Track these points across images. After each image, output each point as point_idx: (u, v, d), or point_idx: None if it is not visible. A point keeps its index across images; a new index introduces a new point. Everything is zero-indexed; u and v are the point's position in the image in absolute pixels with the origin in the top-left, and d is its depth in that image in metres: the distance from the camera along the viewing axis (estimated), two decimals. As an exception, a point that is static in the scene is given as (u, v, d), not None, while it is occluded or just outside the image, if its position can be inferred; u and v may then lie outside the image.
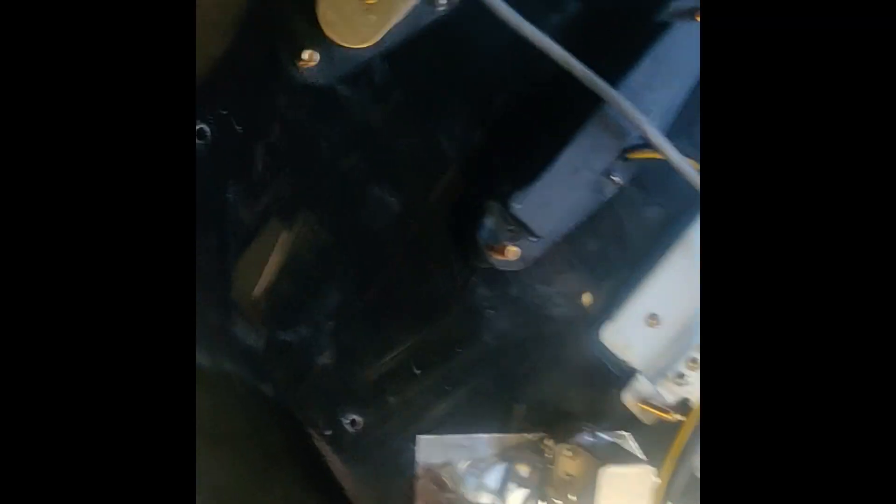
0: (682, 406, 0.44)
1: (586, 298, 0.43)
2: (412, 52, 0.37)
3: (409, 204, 0.40)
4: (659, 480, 0.40)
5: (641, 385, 0.43)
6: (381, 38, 0.33)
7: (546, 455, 0.44)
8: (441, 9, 0.36)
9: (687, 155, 0.37)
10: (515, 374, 0.43)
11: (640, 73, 0.38)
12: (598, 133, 0.38)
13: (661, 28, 0.38)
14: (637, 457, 0.42)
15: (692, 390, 0.44)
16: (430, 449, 0.43)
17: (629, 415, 0.44)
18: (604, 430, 0.44)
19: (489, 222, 0.39)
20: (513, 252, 0.38)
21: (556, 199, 0.38)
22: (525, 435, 0.44)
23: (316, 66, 0.34)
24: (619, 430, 0.45)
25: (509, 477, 0.45)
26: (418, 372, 0.42)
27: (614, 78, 0.37)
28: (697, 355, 0.42)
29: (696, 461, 0.39)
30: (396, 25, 0.34)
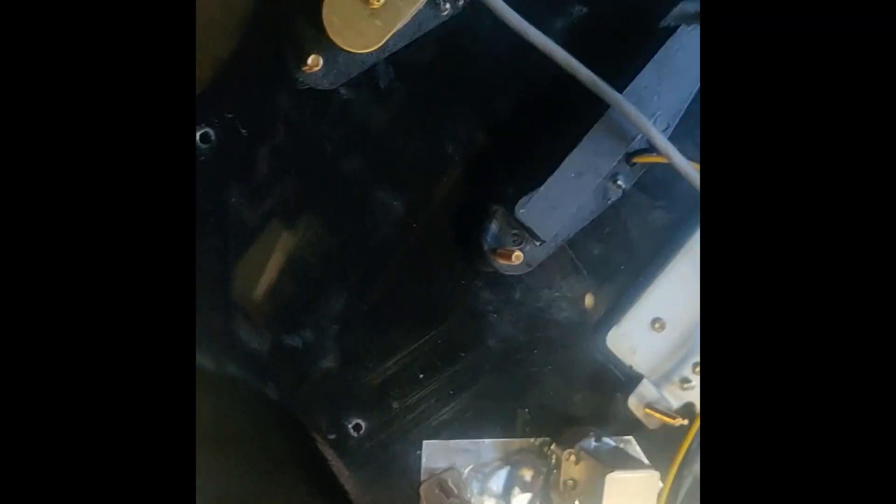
0: (688, 410, 0.44)
1: (588, 300, 0.43)
2: (416, 55, 0.37)
3: (413, 208, 0.40)
4: (664, 485, 0.40)
5: (646, 390, 0.43)
6: (386, 43, 0.33)
7: (550, 460, 0.44)
8: (445, 13, 0.36)
9: (691, 159, 0.37)
10: (519, 379, 0.43)
11: (645, 78, 0.38)
12: (602, 137, 0.38)
13: (666, 32, 0.38)
14: (642, 462, 0.42)
15: (697, 395, 0.44)
16: (433, 453, 0.43)
17: (634, 419, 0.44)
18: (608, 434, 0.44)
19: (493, 226, 0.39)
20: (517, 257, 0.38)
21: (560, 203, 0.38)
22: (529, 440, 0.44)
23: (320, 70, 0.34)
24: (624, 434, 0.44)
25: (513, 481, 0.44)
26: (422, 376, 0.42)
27: (619, 82, 0.37)
28: (703, 360, 0.42)
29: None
30: (401, 30, 0.34)
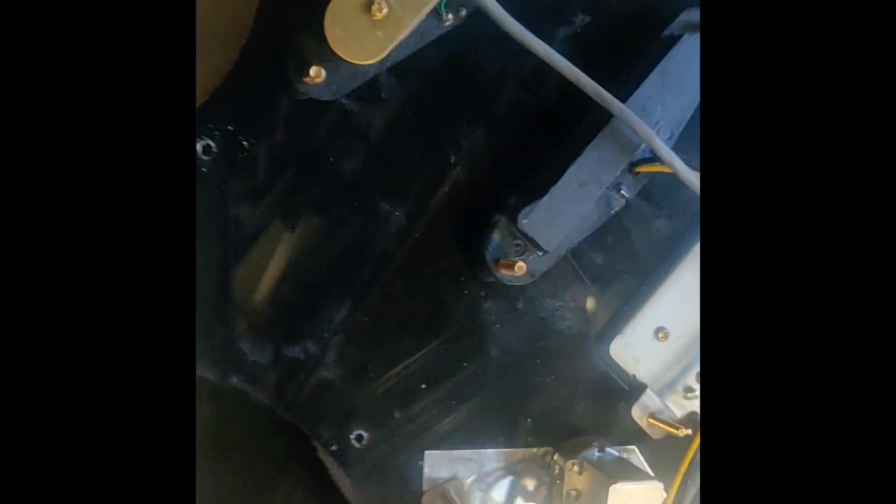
0: (691, 420, 0.44)
1: (589, 304, 0.43)
2: (419, 65, 0.37)
3: (415, 218, 0.40)
4: (667, 496, 0.40)
5: (650, 400, 0.43)
6: (388, 53, 0.33)
7: (553, 470, 0.43)
8: (447, 23, 0.35)
9: (695, 168, 0.37)
10: (522, 389, 0.43)
11: (648, 87, 0.38)
12: (606, 147, 0.38)
13: (669, 41, 0.38)
14: (645, 472, 0.42)
15: (701, 404, 0.43)
16: (436, 463, 0.43)
17: (637, 429, 0.44)
18: (611, 444, 0.44)
19: (496, 237, 0.39)
20: (520, 268, 0.38)
21: (563, 213, 0.38)
22: (532, 449, 0.44)
23: (322, 81, 0.34)
24: (627, 444, 0.44)
25: (516, 491, 0.44)
26: (424, 386, 0.42)
27: (622, 91, 0.37)
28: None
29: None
30: (403, 40, 0.33)
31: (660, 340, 0.43)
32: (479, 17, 0.35)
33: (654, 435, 0.44)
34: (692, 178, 0.37)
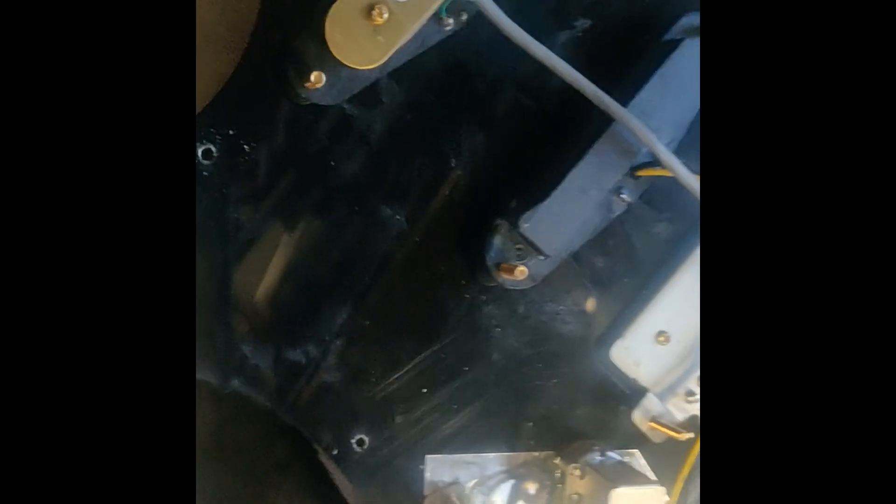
0: (693, 424, 0.44)
1: (590, 307, 0.43)
2: (420, 70, 0.37)
3: (416, 221, 0.40)
4: (670, 500, 0.40)
5: (651, 403, 0.43)
6: (389, 58, 0.33)
7: (555, 474, 0.43)
8: (448, 27, 0.35)
9: (696, 172, 0.37)
10: (524, 393, 0.43)
11: (649, 91, 0.37)
12: (607, 151, 0.38)
13: (669, 45, 0.38)
14: (647, 477, 0.41)
15: (703, 408, 0.43)
16: (437, 468, 0.43)
17: (638, 433, 0.44)
18: (613, 448, 0.44)
19: (497, 241, 0.39)
20: (521, 272, 0.38)
21: (564, 217, 0.38)
22: (533, 453, 0.44)
23: (323, 86, 0.34)
24: (629, 447, 0.44)
25: (517, 495, 0.44)
26: (426, 391, 0.42)
27: (622, 95, 0.37)
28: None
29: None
30: (404, 45, 0.33)
31: (661, 344, 0.43)
32: (480, 21, 0.35)
33: (656, 439, 0.44)
34: (693, 181, 0.37)
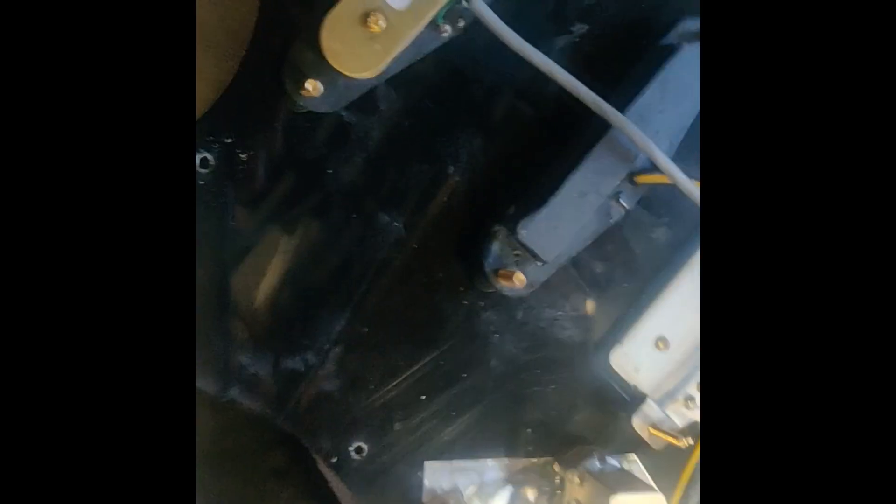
0: (693, 430, 0.44)
1: (589, 313, 0.43)
2: (418, 77, 0.37)
3: (414, 228, 0.40)
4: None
5: (651, 409, 0.43)
6: (387, 65, 0.33)
7: (554, 480, 0.43)
8: (445, 34, 0.35)
9: (694, 178, 0.37)
10: (522, 399, 0.43)
11: (647, 97, 0.37)
12: (605, 157, 0.38)
13: (667, 51, 0.38)
14: (646, 484, 0.41)
15: (702, 413, 0.43)
16: (436, 474, 0.43)
17: (637, 439, 0.44)
18: (612, 453, 0.44)
19: (495, 247, 0.39)
20: (519, 279, 0.38)
21: (562, 223, 0.38)
22: (532, 459, 0.44)
23: (321, 94, 0.34)
24: (628, 454, 0.44)
25: (516, 501, 0.44)
26: (424, 397, 0.42)
27: (620, 101, 0.37)
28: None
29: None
30: (401, 52, 0.33)
31: (660, 349, 0.43)
32: (477, 27, 0.34)
33: (655, 445, 0.43)
34: (691, 187, 0.37)
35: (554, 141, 0.39)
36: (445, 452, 0.43)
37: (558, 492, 0.43)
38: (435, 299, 0.41)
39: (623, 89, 0.38)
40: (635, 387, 0.43)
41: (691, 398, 0.43)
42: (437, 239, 0.40)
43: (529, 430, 0.43)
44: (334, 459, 0.41)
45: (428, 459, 0.43)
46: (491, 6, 0.34)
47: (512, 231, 0.38)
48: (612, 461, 0.43)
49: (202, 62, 0.38)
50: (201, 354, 0.39)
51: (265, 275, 0.39)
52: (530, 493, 0.44)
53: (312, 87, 0.33)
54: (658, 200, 0.41)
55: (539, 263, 0.39)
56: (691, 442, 0.42)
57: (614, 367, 0.43)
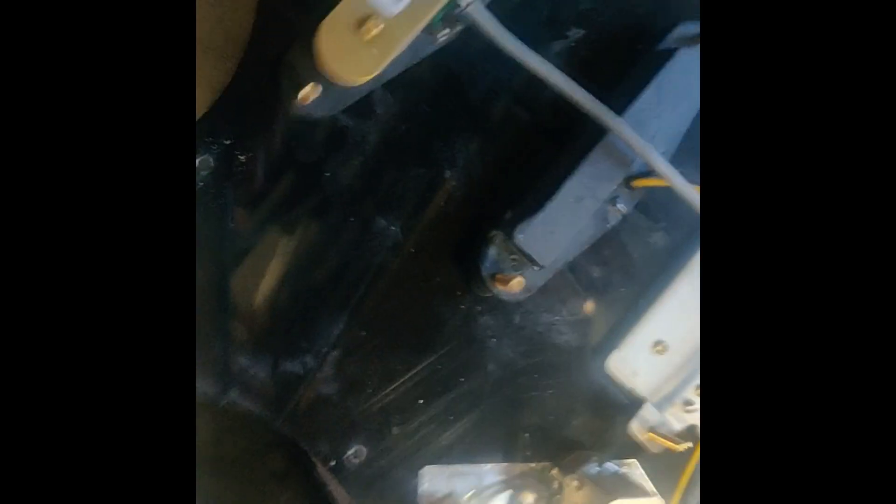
0: (691, 434, 0.43)
1: (587, 317, 0.42)
2: (414, 81, 0.37)
3: (411, 232, 0.40)
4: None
5: (649, 413, 0.43)
6: (383, 70, 0.33)
7: (552, 485, 0.43)
8: (441, 39, 0.35)
9: (692, 181, 0.37)
10: (520, 403, 0.43)
11: (645, 101, 0.37)
12: (602, 161, 0.37)
13: (664, 55, 0.38)
14: (644, 489, 0.41)
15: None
16: (434, 478, 0.43)
17: (636, 443, 0.43)
18: (610, 457, 0.44)
19: (492, 252, 0.39)
20: (516, 283, 0.38)
21: (559, 228, 0.38)
22: (530, 464, 0.44)
23: (316, 100, 0.34)
24: (627, 457, 0.44)
25: (514, 505, 0.44)
26: (422, 402, 0.42)
27: (617, 105, 0.37)
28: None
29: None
30: (397, 57, 0.33)
31: (658, 353, 0.42)
32: (474, 31, 0.34)
33: (653, 450, 0.43)
34: (689, 191, 0.36)
35: (551, 145, 0.39)
36: (443, 457, 0.43)
37: (556, 497, 0.43)
38: (432, 303, 0.41)
39: (620, 93, 0.38)
40: (633, 391, 0.43)
41: (689, 402, 0.43)
42: (435, 243, 0.40)
43: (527, 434, 0.43)
44: (333, 463, 0.41)
45: (426, 464, 0.43)
46: (487, 10, 0.34)
47: (509, 235, 0.38)
48: (611, 466, 0.43)
49: (200, 64, 0.38)
50: (200, 356, 0.39)
51: (264, 277, 0.39)
52: (528, 498, 0.44)
53: (310, 90, 0.33)
54: (655, 205, 0.41)
55: (536, 268, 0.38)
56: (689, 445, 0.42)
57: (612, 371, 0.42)
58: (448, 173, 0.39)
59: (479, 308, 0.41)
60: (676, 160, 0.37)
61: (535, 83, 0.35)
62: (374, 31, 0.32)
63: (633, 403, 0.43)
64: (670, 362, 0.43)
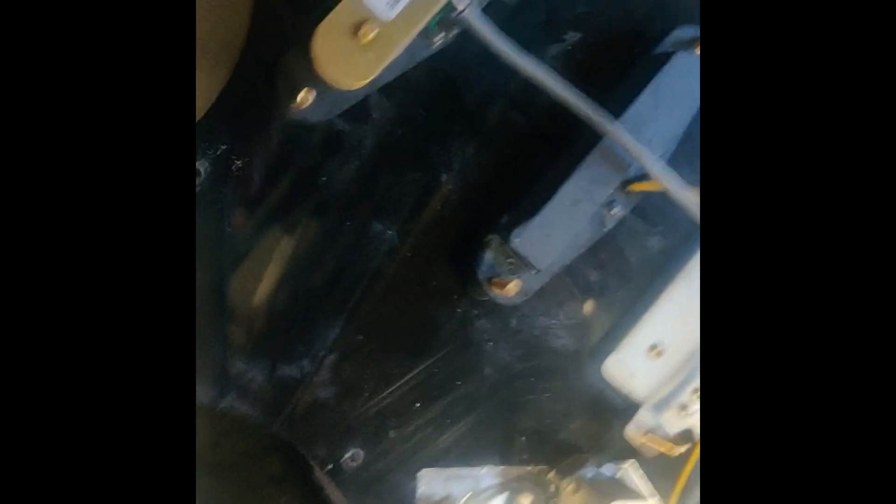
0: (687, 437, 0.43)
1: (583, 321, 0.42)
2: (410, 85, 0.37)
3: (407, 237, 0.40)
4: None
5: (645, 417, 0.43)
6: (379, 74, 0.33)
7: (549, 488, 0.43)
8: (437, 43, 0.35)
9: (690, 184, 0.37)
10: (517, 407, 0.43)
11: (641, 105, 0.37)
12: (598, 165, 0.37)
13: (661, 59, 0.38)
14: (641, 493, 0.41)
15: (697, 421, 0.43)
16: (430, 482, 0.43)
17: (632, 447, 0.44)
18: (607, 460, 0.44)
19: (488, 256, 0.39)
20: (513, 287, 0.38)
21: (556, 231, 0.38)
22: (527, 468, 0.44)
23: (313, 103, 0.34)
24: (624, 461, 0.44)
25: (511, 509, 0.44)
26: (419, 405, 0.42)
27: (613, 109, 0.37)
28: (702, 386, 0.42)
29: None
30: (393, 61, 0.33)
31: (654, 357, 0.42)
32: (470, 35, 0.34)
33: (649, 453, 0.43)
34: (685, 195, 0.36)
35: (547, 149, 0.39)
36: (440, 460, 0.43)
37: (553, 500, 0.43)
38: (429, 307, 0.41)
39: (617, 97, 0.38)
40: (629, 394, 0.43)
41: (686, 406, 0.43)
42: (431, 247, 0.40)
43: (524, 438, 0.43)
44: (330, 466, 0.41)
45: (423, 467, 0.43)
46: (483, 14, 0.34)
47: (505, 239, 0.38)
48: (607, 469, 0.43)
49: (196, 68, 0.38)
50: (198, 360, 0.39)
51: (261, 281, 0.39)
52: (525, 501, 0.44)
53: (305, 95, 0.33)
54: (652, 209, 0.41)
55: (533, 272, 0.39)
56: (684, 448, 0.42)
57: (609, 374, 0.42)
58: (444, 177, 0.39)
59: (476, 312, 0.41)
60: (673, 164, 0.37)
61: (532, 87, 0.35)
62: (370, 36, 0.32)
63: (629, 407, 0.43)
64: (666, 365, 0.43)
